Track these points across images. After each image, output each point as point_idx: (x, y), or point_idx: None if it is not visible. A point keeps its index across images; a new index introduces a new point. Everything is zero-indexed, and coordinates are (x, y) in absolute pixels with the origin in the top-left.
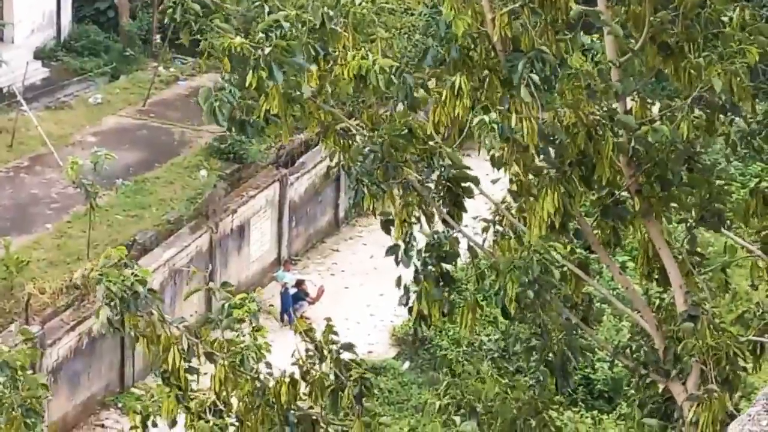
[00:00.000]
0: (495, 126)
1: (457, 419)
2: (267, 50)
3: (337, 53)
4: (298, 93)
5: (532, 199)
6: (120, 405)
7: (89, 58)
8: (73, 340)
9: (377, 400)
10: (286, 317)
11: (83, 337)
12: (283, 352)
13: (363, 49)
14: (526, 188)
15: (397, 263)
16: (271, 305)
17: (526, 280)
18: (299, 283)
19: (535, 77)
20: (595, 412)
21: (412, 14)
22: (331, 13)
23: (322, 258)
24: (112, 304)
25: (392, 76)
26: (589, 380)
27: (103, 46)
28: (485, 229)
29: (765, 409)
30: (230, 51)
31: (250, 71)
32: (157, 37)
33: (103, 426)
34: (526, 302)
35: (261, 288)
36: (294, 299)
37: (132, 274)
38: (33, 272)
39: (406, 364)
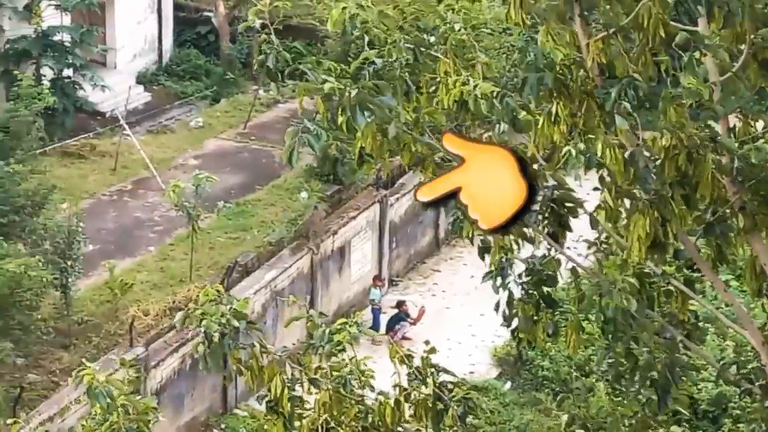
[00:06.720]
0: (582, 156)
1: None
2: (353, 93)
3: (438, 79)
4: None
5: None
6: (223, 426)
7: (190, 82)
8: (176, 362)
9: (478, 420)
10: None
11: (186, 359)
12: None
13: (463, 74)
14: (614, 215)
15: (496, 291)
16: (371, 327)
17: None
18: (400, 304)
19: (627, 105)
20: None
21: (511, 34)
22: (432, 39)
23: (423, 279)
24: (213, 343)
25: (494, 101)
26: (693, 399)
27: (204, 69)
28: (590, 247)
29: None
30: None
31: (340, 113)
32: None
33: None
34: (621, 323)
35: (359, 311)
36: (395, 320)
37: (230, 308)
38: (137, 294)
39: (508, 385)
